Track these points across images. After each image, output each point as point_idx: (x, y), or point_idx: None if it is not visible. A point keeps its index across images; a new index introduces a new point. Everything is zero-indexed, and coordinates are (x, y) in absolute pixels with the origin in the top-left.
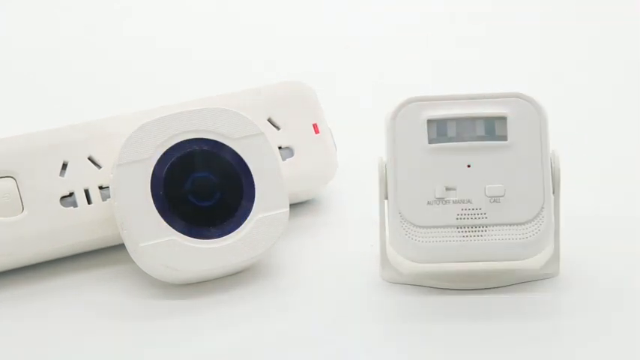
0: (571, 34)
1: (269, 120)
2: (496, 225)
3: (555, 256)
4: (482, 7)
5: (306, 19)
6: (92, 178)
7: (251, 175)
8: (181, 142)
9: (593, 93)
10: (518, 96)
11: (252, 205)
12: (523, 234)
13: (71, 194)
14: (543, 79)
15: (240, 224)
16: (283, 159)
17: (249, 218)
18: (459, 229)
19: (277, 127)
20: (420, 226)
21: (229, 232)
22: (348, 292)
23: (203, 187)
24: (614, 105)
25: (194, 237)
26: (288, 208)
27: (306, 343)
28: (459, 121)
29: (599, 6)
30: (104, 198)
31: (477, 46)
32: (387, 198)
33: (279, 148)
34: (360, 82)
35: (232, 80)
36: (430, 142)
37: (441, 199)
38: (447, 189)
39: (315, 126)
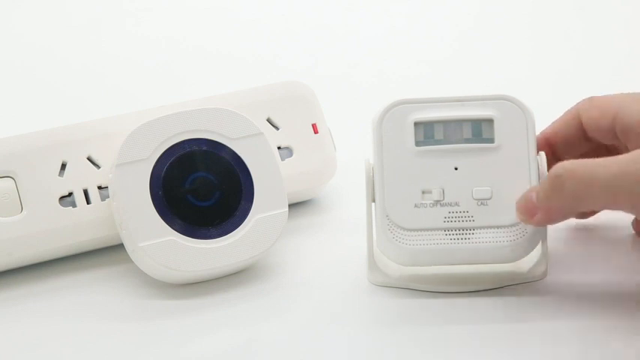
0: (558, 37)
1: (268, 120)
2: (483, 228)
3: (542, 259)
4: (470, 9)
5: (306, 19)
6: (91, 178)
7: (250, 175)
8: (180, 142)
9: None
10: (505, 98)
11: (251, 206)
12: (510, 237)
13: (70, 194)
14: (530, 81)
15: (239, 224)
16: (282, 159)
17: (248, 218)
18: (447, 232)
19: (276, 127)
20: (407, 229)
21: (228, 232)
22: (345, 293)
23: (202, 187)
24: None
25: (193, 237)
26: (287, 209)
27: (303, 344)
28: (446, 123)
29: (587, 8)
30: (103, 198)
31: (464, 48)
32: (374, 201)
33: (279, 148)
34: (360, 82)
35: (232, 80)
36: (417, 144)
37: (428, 202)
38: (435, 192)
39: (314, 126)
